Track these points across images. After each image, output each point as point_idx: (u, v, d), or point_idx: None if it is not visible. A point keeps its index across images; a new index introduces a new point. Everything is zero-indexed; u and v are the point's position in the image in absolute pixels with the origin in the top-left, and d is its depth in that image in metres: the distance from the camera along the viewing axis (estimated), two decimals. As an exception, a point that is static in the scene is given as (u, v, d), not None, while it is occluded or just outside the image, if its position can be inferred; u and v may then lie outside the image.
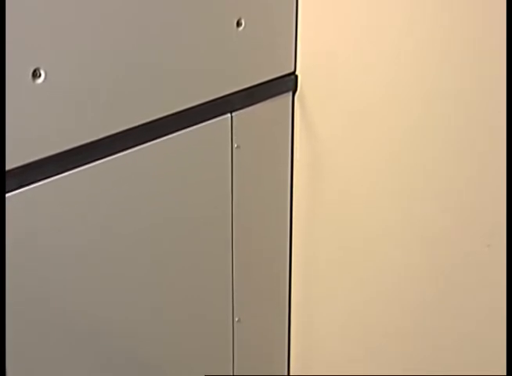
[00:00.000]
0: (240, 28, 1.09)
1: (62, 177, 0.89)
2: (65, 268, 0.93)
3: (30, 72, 0.82)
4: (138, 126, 0.97)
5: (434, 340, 1.22)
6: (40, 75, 0.83)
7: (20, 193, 0.85)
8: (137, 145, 0.98)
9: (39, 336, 0.92)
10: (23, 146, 0.84)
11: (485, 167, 1.08)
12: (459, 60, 1.05)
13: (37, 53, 0.83)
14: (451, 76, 1.06)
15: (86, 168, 0.92)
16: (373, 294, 1.26)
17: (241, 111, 1.13)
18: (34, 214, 0.88)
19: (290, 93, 1.21)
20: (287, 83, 1.20)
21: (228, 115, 1.11)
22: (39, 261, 0.90)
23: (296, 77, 1.20)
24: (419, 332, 1.23)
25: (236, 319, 1.24)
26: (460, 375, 1.19)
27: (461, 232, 1.13)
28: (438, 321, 1.20)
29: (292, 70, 1.20)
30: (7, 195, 0.83)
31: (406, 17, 1.07)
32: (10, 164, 0.83)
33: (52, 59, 0.84)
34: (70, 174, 0.90)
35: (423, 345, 1.23)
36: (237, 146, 1.14)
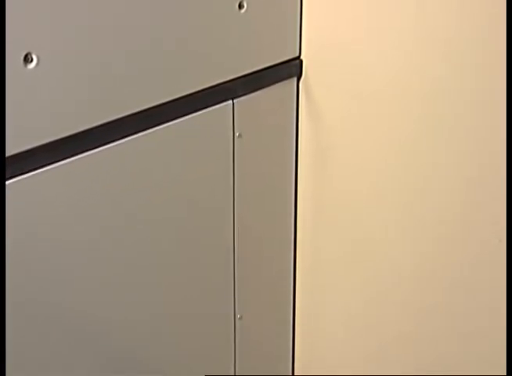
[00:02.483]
0: (242, 10, 1.07)
1: (56, 166, 0.87)
2: (64, 262, 0.92)
3: (22, 57, 0.80)
4: (136, 113, 0.96)
5: (435, 340, 1.22)
6: (32, 60, 0.81)
7: (14, 182, 0.83)
8: (135, 133, 0.96)
9: (38, 335, 0.91)
10: (18, 134, 0.82)
11: (490, 162, 1.07)
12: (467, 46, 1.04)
13: (29, 37, 0.80)
14: (457, 58, 1.05)
15: (82, 157, 0.90)
16: (376, 293, 1.25)
17: (243, 98, 1.11)
18: (27, 205, 0.86)
19: (295, 79, 1.20)
20: (292, 68, 1.18)
21: (230, 102, 1.09)
22: (38, 253, 0.89)
23: (301, 62, 1.18)
24: (421, 332, 1.23)
25: (238, 316, 1.24)
26: (460, 375, 1.19)
27: (469, 229, 1.12)
28: (439, 321, 1.20)
29: (297, 54, 1.18)
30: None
31: (414, 3, 1.05)
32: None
33: (45, 43, 0.82)
34: (65, 163, 0.88)
35: (425, 346, 1.24)
36: (239, 135, 1.12)
